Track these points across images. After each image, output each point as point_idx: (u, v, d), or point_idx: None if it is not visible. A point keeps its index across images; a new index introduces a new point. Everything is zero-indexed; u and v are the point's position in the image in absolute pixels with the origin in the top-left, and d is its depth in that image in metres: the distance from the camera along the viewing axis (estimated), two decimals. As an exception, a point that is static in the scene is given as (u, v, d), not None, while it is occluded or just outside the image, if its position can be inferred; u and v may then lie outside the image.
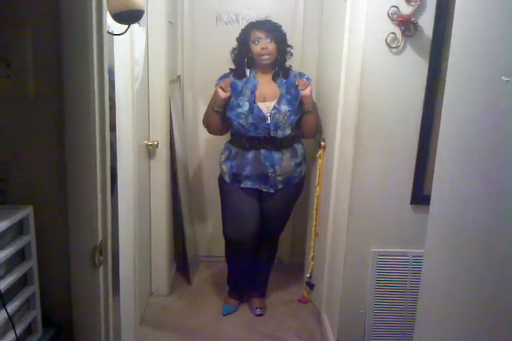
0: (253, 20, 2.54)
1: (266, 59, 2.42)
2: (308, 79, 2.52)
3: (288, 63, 2.54)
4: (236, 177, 2.51)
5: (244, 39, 2.45)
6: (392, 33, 1.97)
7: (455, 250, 1.01)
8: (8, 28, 1.08)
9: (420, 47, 1.99)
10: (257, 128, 2.41)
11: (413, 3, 1.94)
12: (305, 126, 2.53)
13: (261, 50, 2.40)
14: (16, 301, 1.10)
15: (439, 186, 1.11)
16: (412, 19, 1.94)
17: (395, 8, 1.94)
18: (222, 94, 2.40)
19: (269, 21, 2.47)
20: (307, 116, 2.49)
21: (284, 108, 2.41)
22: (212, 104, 2.49)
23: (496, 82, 0.85)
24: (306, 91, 2.39)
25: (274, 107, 2.41)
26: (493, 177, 0.87)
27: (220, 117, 2.49)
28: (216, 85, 2.46)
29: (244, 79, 2.47)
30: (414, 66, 2.01)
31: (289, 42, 2.53)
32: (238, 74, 2.50)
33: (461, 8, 1.04)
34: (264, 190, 2.50)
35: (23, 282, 1.15)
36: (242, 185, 2.50)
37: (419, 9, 1.94)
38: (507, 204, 0.82)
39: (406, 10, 1.94)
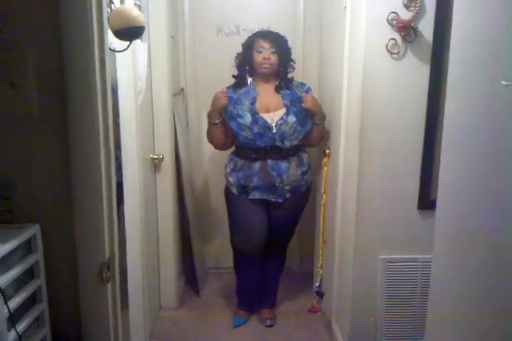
0: (261, 30, 2.56)
1: (266, 67, 2.43)
2: (309, 89, 2.53)
3: (290, 75, 2.54)
4: (244, 189, 2.50)
5: (248, 46, 2.47)
6: (393, 38, 1.97)
7: (462, 254, 1.00)
8: (11, 50, 1.09)
9: (421, 52, 1.99)
10: (263, 137, 2.41)
11: (412, 9, 1.94)
12: (312, 137, 2.54)
13: (262, 60, 2.41)
14: (26, 320, 1.10)
15: (444, 191, 1.11)
16: (412, 24, 1.94)
17: (395, 14, 1.94)
18: (223, 99, 2.42)
19: (276, 33, 2.49)
20: (315, 127, 2.50)
21: (291, 119, 2.41)
22: (209, 118, 2.50)
23: (495, 86, 0.85)
24: (306, 105, 2.42)
25: (281, 118, 2.41)
26: (496, 180, 0.87)
27: (220, 129, 2.50)
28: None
29: (243, 90, 2.48)
30: (416, 71, 2.01)
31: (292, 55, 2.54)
32: (239, 80, 2.51)
33: (459, 12, 1.04)
34: (273, 199, 2.49)
35: (32, 300, 1.15)
36: (251, 197, 2.49)
37: (419, 14, 1.94)
38: (511, 207, 0.82)
39: (405, 15, 1.94)
